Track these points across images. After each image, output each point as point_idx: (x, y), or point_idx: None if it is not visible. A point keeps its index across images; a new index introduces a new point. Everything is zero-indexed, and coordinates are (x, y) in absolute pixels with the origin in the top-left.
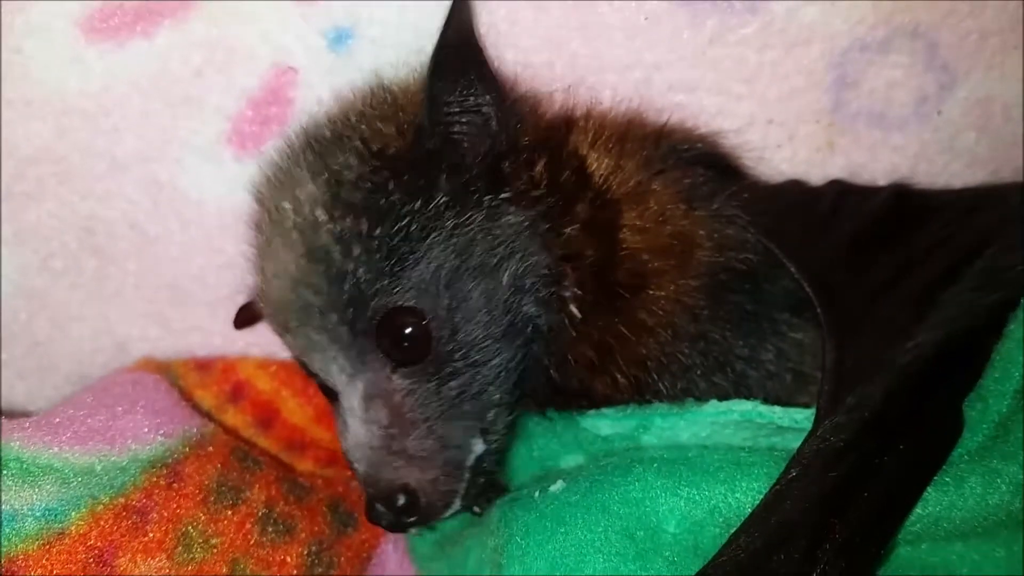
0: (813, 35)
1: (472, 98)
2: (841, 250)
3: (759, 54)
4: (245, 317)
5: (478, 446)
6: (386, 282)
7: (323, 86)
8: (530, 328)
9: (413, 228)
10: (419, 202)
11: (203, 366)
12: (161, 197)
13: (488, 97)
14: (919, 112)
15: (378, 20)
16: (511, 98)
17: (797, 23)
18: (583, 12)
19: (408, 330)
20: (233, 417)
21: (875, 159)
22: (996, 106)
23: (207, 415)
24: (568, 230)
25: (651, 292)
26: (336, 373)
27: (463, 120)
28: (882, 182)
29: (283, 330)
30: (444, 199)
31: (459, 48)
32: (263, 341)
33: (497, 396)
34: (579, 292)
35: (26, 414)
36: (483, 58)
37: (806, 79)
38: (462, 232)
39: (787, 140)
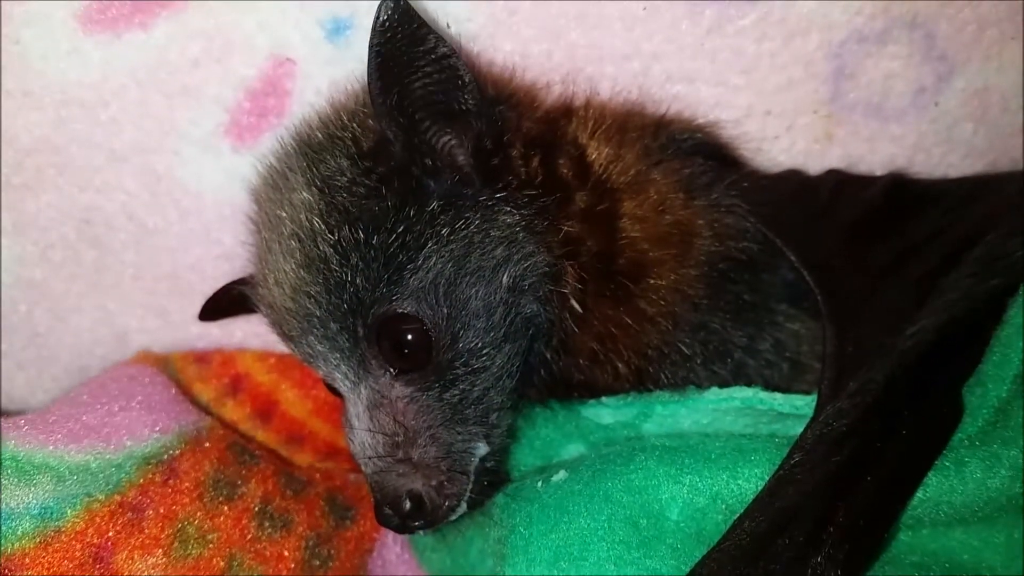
0: (811, 26)
1: (446, 98)
2: (840, 239)
3: (757, 45)
4: (212, 308)
5: (481, 448)
6: (385, 290)
7: (321, 77)
8: (531, 328)
9: (409, 238)
10: (413, 209)
11: (202, 359)
12: (159, 188)
13: (462, 90)
14: (917, 103)
15: None
16: (498, 90)
17: (795, 14)
18: (582, 2)
19: (408, 336)
20: (232, 410)
21: (873, 150)
22: (994, 97)
23: (206, 408)
24: (566, 226)
25: (651, 281)
26: (340, 380)
27: (436, 120)
28: (880, 173)
29: (287, 338)
30: (438, 204)
31: (403, 44)
32: (262, 331)
33: (499, 399)
34: (579, 286)
35: (26, 405)
36: (440, 49)
37: (804, 70)
38: (458, 237)
39: (785, 131)
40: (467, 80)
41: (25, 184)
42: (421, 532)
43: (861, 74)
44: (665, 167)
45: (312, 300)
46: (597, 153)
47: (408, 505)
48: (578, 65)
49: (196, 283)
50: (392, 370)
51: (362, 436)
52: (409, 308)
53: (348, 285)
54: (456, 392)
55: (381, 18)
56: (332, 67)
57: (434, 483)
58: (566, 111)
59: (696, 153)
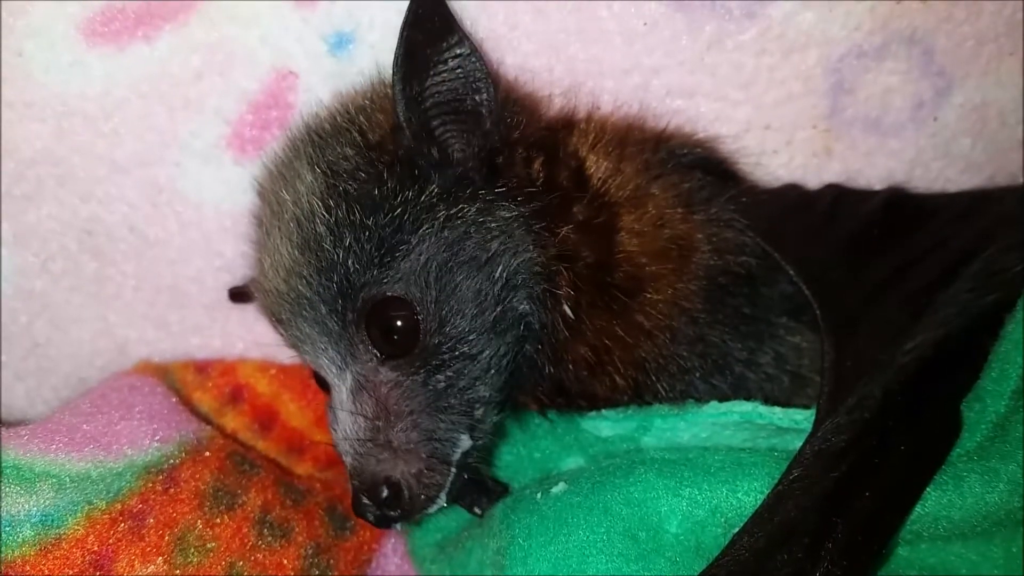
0: (810, 41)
1: (461, 95)
2: (838, 252)
3: (756, 60)
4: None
5: (464, 441)
6: (376, 272)
7: (323, 90)
8: (522, 326)
9: (406, 219)
10: (412, 192)
11: (202, 368)
12: (160, 200)
13: (479, 89)
14: (915, 118)
15: (379, 24)
16: (506, 95)
17: (794, 29)
18: (582, 17)
19: (397, 322)
20: (232, 420)
21: (871, 164)
22: (992, 111)
23: (205, 418)
24: (563, 229)
25: (649, 295)
26: (326, 365)
27: (448, 116)
28: (878, 187)
29: (277, 321)
30: (436, 190)
31: (427, 37)
32: (262, 342)
33: (486, 393)
34: (573, 293)
35: (25, 416)
36: (462, 40)
37: (803, 85)
38: (454, 224)
39: (784, 145)
40: (485, 81)
41: (26, 195)
42: (398, 525)
43: (860, 89)
44: (664, 181)
45: (304, 281)
46: (596, 166)
47: (385, 492)
48: (579, 79)
49: (196, 294)
50: (379, 355)
51: (344, 419)
52: (399, 291)
53: (339, 266)
54: (441, 378)
55: (415, 7)
56: (334, 80)
57: (413, 471)
58: (567, 123)
59: (695, 167)
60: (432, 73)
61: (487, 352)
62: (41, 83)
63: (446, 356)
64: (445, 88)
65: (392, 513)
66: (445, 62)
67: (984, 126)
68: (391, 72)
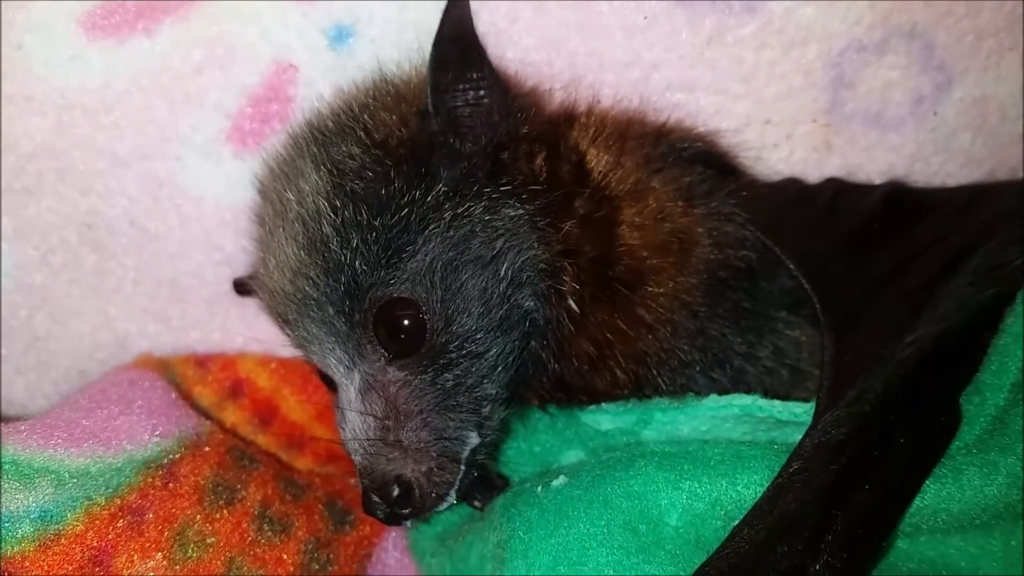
0: (810, 35)
1: (473, 89)
2: (838, 247)
3: (757, 54)
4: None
5: (473, 439)
6: (382, 273)
7: (324, 84)
8: (527, 322)
9: (413, 219)
10: (419, 191)
11: (202, 363)
12: (161, 194)
13: (488, 84)
14: (915, 112)
15: (379, 18)
16: (512, 91)
17: (795, 23)
18: (582, 11)
19: (404, 322)
20: (232, 414)
21: (871, 159)
22: (992, 106)
23: (205, 412)
24: (567, 225)
25: (650, 289)
26: (334, 365)
27: (465, 109)
28: (878, 182)
29: (283, 322)
30: (443, 189)
31: (458, 39)
32: (263, 337)
33: (493, 390)
34: (577, 287)
35: (26, 410)
36: (481, 49)
37: (803, 79)
38: (460, 223)
39: (784, 139)
40: (491, 78)
41: (26, 189)
42: (409, 523)
43: (860, 83)
44: (665, 175)
45: (311, 282)
46: (596, 160)
47: (396, 491)
48: (579, 73)
49: (196, 288)
50: (387, 354)
51: (353, 419)
52: (405, 292)
53: (347, 267)
54: (450, 377)
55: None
56: (334, 74)
57: (424, 469)
58: (568, 117)
59: (696, 161)
60: (461, 77)
61: (494, 350)
62: (41, 77)
63: (453, 355)
64: (464, 84)
65: (403, 511)
66: (472, 71)
67: (984, 121)
68: (427, 62)
